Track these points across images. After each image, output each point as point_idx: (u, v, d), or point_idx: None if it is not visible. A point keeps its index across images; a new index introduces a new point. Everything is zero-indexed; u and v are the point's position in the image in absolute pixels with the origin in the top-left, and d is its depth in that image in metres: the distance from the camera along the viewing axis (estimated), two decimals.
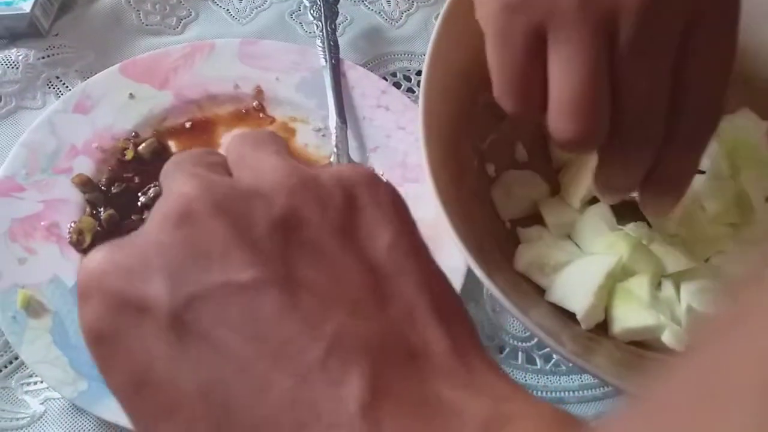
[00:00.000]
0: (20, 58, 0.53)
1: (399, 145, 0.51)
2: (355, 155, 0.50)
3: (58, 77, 0.53)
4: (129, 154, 0.48)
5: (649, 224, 0.47)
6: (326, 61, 0.53)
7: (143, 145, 0.48)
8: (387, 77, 0.57)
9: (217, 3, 0.61)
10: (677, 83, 0.33)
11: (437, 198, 0.40)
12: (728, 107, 0.51)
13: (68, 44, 0.55)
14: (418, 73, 0.58)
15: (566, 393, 0.43)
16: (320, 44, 0.54)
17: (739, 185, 0.46)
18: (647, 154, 0.35)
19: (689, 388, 0.16)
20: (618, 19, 0.32)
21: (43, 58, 0.54)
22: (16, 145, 0.47)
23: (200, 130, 0.50)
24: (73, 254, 0.43)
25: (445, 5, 0.47)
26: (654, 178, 0.36)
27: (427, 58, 0.45)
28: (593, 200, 0.48)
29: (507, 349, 0.44)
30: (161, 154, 0.48)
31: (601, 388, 0.43)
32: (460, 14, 0.48)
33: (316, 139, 0.51)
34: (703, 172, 0.49)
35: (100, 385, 0.38)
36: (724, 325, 0.17)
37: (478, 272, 0.38)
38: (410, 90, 0.57)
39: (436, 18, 0.62)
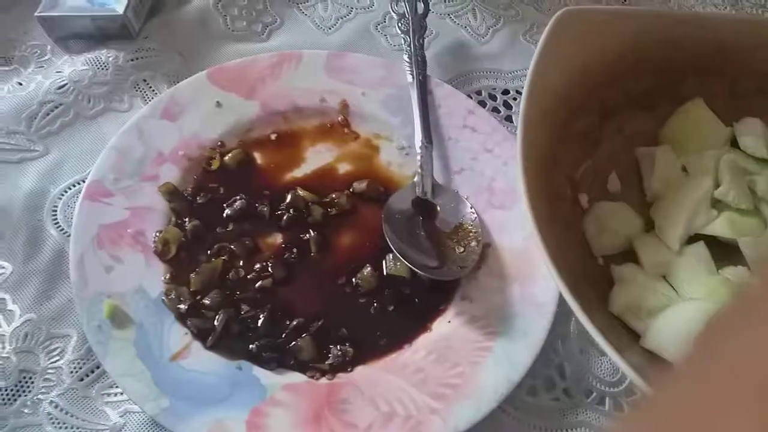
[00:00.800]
0: (110, 59, 0.53)
1: (485, 169, 0.49)
2: (439, 177, 0.49)
3: (145, 80, 0.54)
4: (215, 164, 0.47)
5: (749, 268, 0.45)
6: (413, 78, 0.52)
7: (229, 155, 0.48)
8: (471, 95, 0.55)
9: (303, 11, 0.60)
10: None
11: (536, 229, 0.38)
12: None
13: (156, 47, 0.55)
14: (504, 92, 0.56)
15: None
16: (407, 59, 0.53)
17: None
18: None
19: (691, 389, 0.17)
20: None
21: (132, 60, 0.54)
22: (106, 149, 0.47)
23: (285, 142, 0.50)
24: (158, 264, 0.43)
25: (550, 23, 0.45)
26: None
27: (528, 80, 0.44)
28: (690, 240, 0.46)
29: (594, 394, 0.42)
30: (247, 164, 0.48)
31: None
32: (563, 34, 0.46)
33: (400, 157, 0.50)
34: None
35: (181, 403, 0.38)
36: (726, 329, 0.18)
37: (574, 307, 0.36)
38: (495, 110, 0.55)
39: (524, 35, 0.60)
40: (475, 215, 0.47)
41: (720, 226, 0.46)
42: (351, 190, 0.48)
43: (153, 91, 0.53)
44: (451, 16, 0.61)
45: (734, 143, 0.50)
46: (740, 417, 0.15)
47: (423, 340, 0.42)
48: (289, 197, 0.46)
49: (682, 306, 0.42)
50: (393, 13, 0.57)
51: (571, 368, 0.43)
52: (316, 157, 0.50)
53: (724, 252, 0.46)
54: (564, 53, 0.46)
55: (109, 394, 0.40)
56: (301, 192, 0.47)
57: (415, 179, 0.48)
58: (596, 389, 0.42)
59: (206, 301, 0.42)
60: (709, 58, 0.50)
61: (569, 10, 0.46)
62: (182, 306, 0.41)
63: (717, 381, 0.16)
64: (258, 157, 0.49)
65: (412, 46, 0.54)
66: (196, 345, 0.40)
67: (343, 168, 0.49)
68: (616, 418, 0.41)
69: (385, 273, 0.44)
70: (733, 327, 0.17)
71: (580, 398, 0.42)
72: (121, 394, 0.40)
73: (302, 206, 0.46)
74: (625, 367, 0.34)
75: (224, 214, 0.45)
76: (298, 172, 0.49)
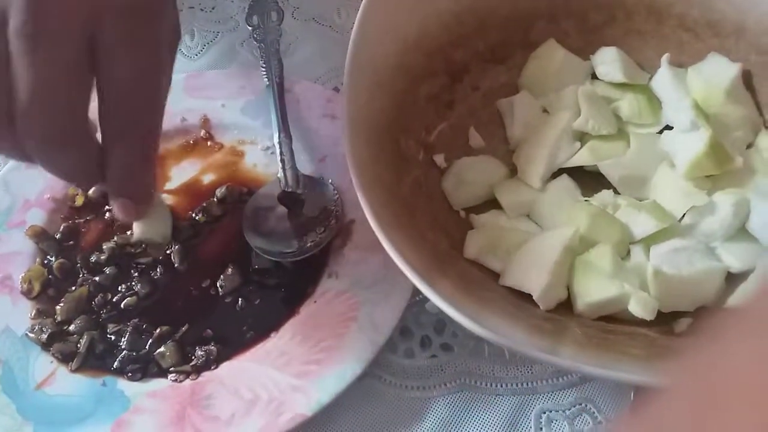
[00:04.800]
0: None
1: None
2: (303, 167, 0.50)
3: None
4: (79, 200, 0.49)
5: (616, 191, 0.45)
6: (269, 80, 0.54)
7: (93, 189, 0.50)
8: (339, 87, 0.57)
9: None
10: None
11: (362, 197, 0.39)
12: (695, 56, 0.49)
13: None
14: None
15: (539, 382, 0.40)
16: (263, 65, 0.55)
17: (713, 135, 0.43)
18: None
19: (693, 388, 0.17)
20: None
21: None
22: None
23: None
24: (24, 303, 0.45)
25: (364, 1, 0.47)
26: (107, 181, 0.36)
27: (348, 59, 0.45)
28: (556, 176, 0.46)
29: (472, 343, 0.42)
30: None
31: (577, 374, 0.40)
32: (385, 9, 0.48)
33: (265, 158, 0.52)
34: (671, 128, 0.46)
35: (43, 428, 0.39)
36: (728, 330, 0.18)
37: (411, 275, 0.36)
38: None
39: None
40: (337, 195, 0.48)
41: (582, 156, 0.46)
42: (215, 197, 0.49)
43: None
44: (315, 18, 0.63)
45: (596, 76, 0.51)
46: (742, 417, 0.15)
47: (290, 325, 0.43)
48: None
49: (541, 237, 0.42)
50: (249, 27, 0.59)
51: (450, 323, 0.43)
52: (181, 174, 0.51)
53: (596, 182, 0.46)
54: (391, 25, 0.48)
55: None
56: None
57: (279, 174, 0.49)
58: (474, 338, 0.42)
59: (71, 328, 0.43)
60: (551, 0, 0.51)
61: None
62: (44, 335, 0.42)
63: (715, 393, 0.17)
64: None
65: (267, 51, 0.56)
66: (62, 370, 0.42)
67: (208, 178, 0.51)
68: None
69: (250, 269, 0.45)
70: (733, 340, 0.18)
71: (458, 350, 0.42)
72: None
73: None
74: (478, 330, 0.34)
75: (92, 259, 0.47)
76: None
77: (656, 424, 0.18)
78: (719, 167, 0.43)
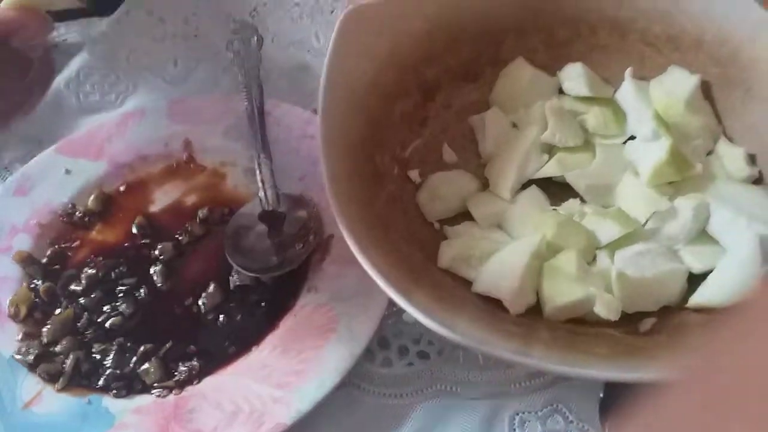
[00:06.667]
0: None
1: None
2: (284, 186, 0.52)
3: (6, 168, 0.58)
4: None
5: (583, 200, 0.47)
6: (250, 103, 0.56)
7: (91, 198, 0.52)
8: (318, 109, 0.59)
9: (153, 73, 0.65)
10: None
11: (337, 213, 0.41)
12: (657, 69, 0.51)
13: (16, 141, 0.60)
14: None
15: (512, 385, 0.42)
16: (244, 89, 0.57)
17: (673, 143, 0.45)
18: None
19: (696, 395, 0.18)
20: None
21: None
22: None
23: (134, 190, 0.54)
24: (11, 326, 0.46)
25: (337, 24, 0.49)
26: None
27: (323, 74, 0.47)
28: (525, 188, 0.48)
29: (447, 350, 0.44)
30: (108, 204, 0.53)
31: (549, 376, 0.41)
32: (357, 31, 0.50)
33: (246, 179, 0.54)
34: (633, 138, 0.49)
35: None
36: (730, 341, 0.18)
37: (386, 288, 0.38)
38: None
39: None
40: (316, 212, 0.50)
41: (551, 168, 0.48)
42: (197, 218, 0.51)
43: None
44: (294, 45, 0.66)
45: (563, 91, 0.53)
46: (743, 422, 0.16)
47: (270, 338, 0.44)
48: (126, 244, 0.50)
49: (511, 245, 0.44)
50: (229, 54, 0.61)
51: (426, 332, 0.45)
52: (165, 196, 0.53)
53: (564, 191, 0.48)
54: (364, 44, 0.50)
55: None
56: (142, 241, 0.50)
57: (260, 194, 0.51)
58: (449, 345, 0.44)
59: (57, 348, 0.44)
60: (520, 16, 0.53)
61: (356, 9, 0.50)
62: (30, 357, 0.44)
63: (720, 394, 0.17)
64: (108, 210, 0.53)
65: (247, 76, 0.58)
66: (48, 390, 0.43)
67: (191, 200, 0.53)
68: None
69: (231, 287, 0.47)
70: (737, 338, 0.18)
71: (434, 358, 0.43)
72: None
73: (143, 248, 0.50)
74: (451, 335, 0.36)
75: (80, 282, 0.48)
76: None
77: (663, 421, 0.19)
78: (680, 174, 0.45)
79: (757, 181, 0.45)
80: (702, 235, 0.43)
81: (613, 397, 0.39)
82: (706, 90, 0.50)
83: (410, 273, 0.41)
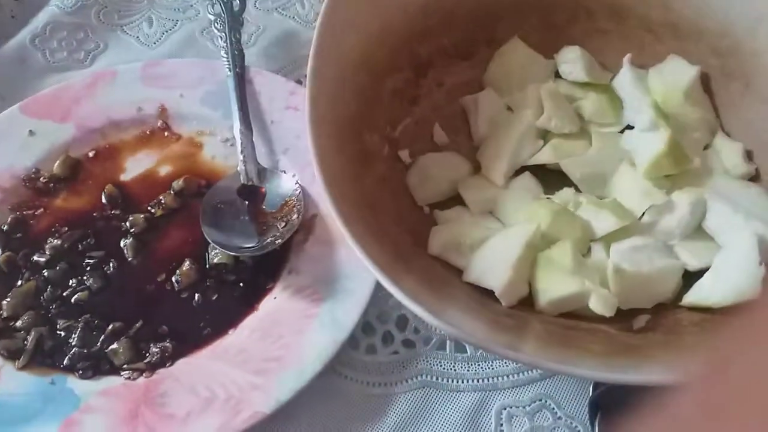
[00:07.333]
0: None
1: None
2: (264, 160, 0.50)
3: None
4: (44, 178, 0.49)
5: (578, 189, 0.46)
6: (230, 70, 0.53)
7: (57, 163, 0.49)
8: (302, 79, 0.56)
9: (127, 32, 0.61)
10: None
11: (325, 190, 0.38)
12: (656, 57, 0.50)
13: None
14: None
15: (500, 378, 0.41)
16: (224, 54, 0.54)
17: (672, 135, 0.44)
18: None
19: (701, 403, 0.18)
20: None
21: None
22: None
23: (104, 157, 0.50)
24: None
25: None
26: None
27: (313, 48, 0.44)
28: (519, 174, 0.47)
29: (434, 339, 0.42)
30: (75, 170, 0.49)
31: (537, 370, 0.40)
32: (348, 5, 0.47)
33: (224, 149, 0.51)
34: (631, 128, 0.47)
35: None
36: (736, 349, 0.18)
37: (374, 271, 0.35)
38: None
39: None
40: (299, 190, 0.47)
41: (545, 155, 0.47)
42: (171, 190, 0.48)
43: None
44: (278, 9, 0.63)
45: (559, 75, 0.51)
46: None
47: (248, 321, 0.42)
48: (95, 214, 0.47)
49: (503, 233, 0.42)
50: (210, 16, 0.58)
51: (413, 318, 0.43)
52: (137, 165, 0.50)
53: (558, 180, 0.46)
54: (356, 17, 0.47)
55: None
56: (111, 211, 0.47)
57: (239, 167, 0.49)
58: (436, 334, 0.42)
59: (18, 324, 0.42)
60: None
61: None
62: None
63: (726, 402, 0.17)
64: (75, 177, 0.49)
65: (228, 41, 0.55)
66: (8, 368, 0.40)
67: (165, 170, 0.50)
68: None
69: (207, 265, 0.44)
70: (745, 345, 0.18)
71: (420, 347, 0.42)
72: None
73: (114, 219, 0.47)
74: (441, 325, 0.34)
75: (45, 250, 0.45)
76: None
77: (667, 428, 0.18)
78: (677, 167, 0.44)
79: (754, 178, 0.45)
80: (698, 231, 0.42)
81: (603, 393, 0.38)
82: (704, 82, 0.49)
83: (399, 257, 0.39)
